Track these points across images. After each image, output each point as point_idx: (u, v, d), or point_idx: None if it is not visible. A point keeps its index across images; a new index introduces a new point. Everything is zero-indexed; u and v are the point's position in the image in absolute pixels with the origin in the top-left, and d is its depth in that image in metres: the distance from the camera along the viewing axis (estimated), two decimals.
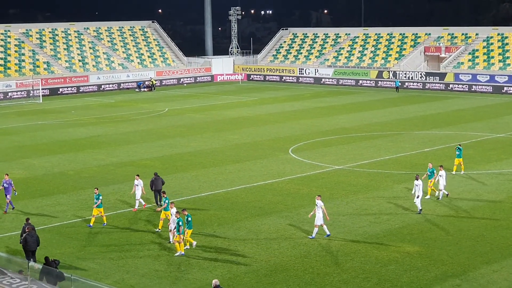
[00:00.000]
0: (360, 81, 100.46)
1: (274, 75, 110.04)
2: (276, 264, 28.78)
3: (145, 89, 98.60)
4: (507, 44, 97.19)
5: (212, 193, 40.41)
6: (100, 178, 44.39)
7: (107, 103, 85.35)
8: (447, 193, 38.36)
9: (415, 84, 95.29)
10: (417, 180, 35.58)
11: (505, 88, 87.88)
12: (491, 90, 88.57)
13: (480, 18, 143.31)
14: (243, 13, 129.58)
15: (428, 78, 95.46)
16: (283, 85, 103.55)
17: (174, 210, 31.55)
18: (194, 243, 30.81)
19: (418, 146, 52.95)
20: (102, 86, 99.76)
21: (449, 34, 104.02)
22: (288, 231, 32.94)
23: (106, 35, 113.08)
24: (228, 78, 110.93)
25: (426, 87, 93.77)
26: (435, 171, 37.81)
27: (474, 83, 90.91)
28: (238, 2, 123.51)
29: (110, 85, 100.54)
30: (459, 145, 44.02)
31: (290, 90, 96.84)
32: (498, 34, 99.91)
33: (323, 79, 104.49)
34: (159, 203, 36.83)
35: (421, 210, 35.42)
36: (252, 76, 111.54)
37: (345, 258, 29.17)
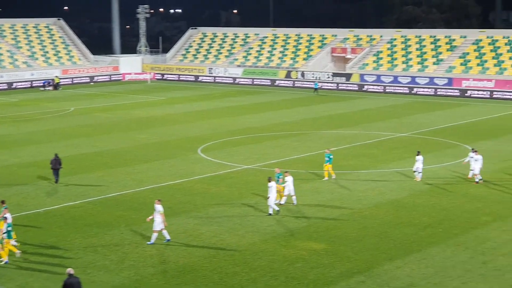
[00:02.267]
0: (269, 81, 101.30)
1: (184, 75, 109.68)
2: (185, 264, 28.77)
3: (50, 88, 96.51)
4: (409, 46, 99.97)
5: (119, 193, 40.02)
6: (3, 179, 43.30)
7: (10, 102, 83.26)
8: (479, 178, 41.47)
9: (323, 84, 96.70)
10: (270, 182, 35.39)
11: (408, 89, 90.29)
12: (394, 91, 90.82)
13: (384, 21, 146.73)
14: (151, 11, 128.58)
15: (335, 79, 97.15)
16: (192, 85, 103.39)
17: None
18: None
19: (324, 146, 53.70)
20: (6, 85, 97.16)
21: (354, 36, 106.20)
22: (196, 231, 32.96)
23: (10, 33, 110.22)
24: (137, 77, 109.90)
25: (333, 87, 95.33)
26: (281, 176, 37.28)
27: (378, 83, 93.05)
28: (147, 0, 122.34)
29: (14, 84, 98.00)
30: (328, 150, 43.51)
31: (199, 89, 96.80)
32: (402, 36, 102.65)
33: (232, 79, 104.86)
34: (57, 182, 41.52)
35: (278, 211, 35.47)
36: (161, 75, 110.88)
37: (253, 257, 29.43)
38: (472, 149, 43.68)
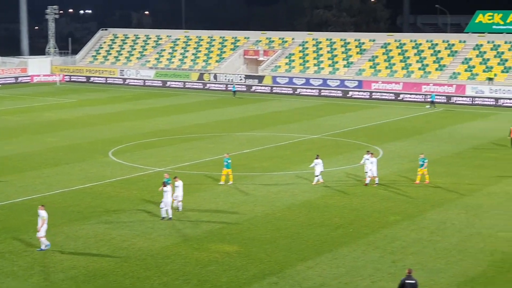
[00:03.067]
0: (182, 83, 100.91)
1: (94, 77, 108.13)
2: (95, 269, 28.32)
3: None
4: (321, 48, 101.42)
5: (28, 198, 39.09)
6: None
7: None
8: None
9: (236, 86, 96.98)
10: (165, 186, 35.02)
11: (319, 91, 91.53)
12: (306, 93, 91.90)
13: (296, 24, 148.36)
14: (61, 12, 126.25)
15: (247, 81, 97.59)
16: (103, 87, 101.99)
17: None
18: None
19: (237, 147, 54.03)
20: None
21: (267, 38, 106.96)
22: (107, 236, 32.51)
23: None
24: (46, 79, 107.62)
25: (247, 89, 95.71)
26: (170, 182, 36.00)
27: (291, 85, 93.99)
28: (56, 0, 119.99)
29: None
30: (226, 155, 43.16)
31: (110, 91, 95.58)
32: (313, 39, 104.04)
33: (144, 81, 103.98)
34: None
35: (170, 218, 34.82)
36: (71, 77, 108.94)
37: (165, 261, 29.23)
38: (367, 151, 43.60)
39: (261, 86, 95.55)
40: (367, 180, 42.10)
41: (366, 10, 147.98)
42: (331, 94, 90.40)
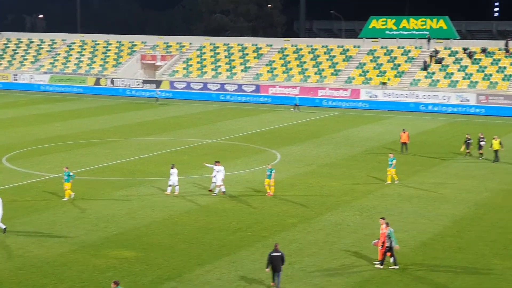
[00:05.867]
0: (78, 88, 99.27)
1: None
2: None
3: None
4: (218, 53, 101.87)
5: None
6: None
7: None
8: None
9: (133, 91, 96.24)
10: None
11: (216, 96, 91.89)
12: (204, 98, 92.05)
13: (193, 28, 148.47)
14: None
15: (145, 86, 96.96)
16: None
17: None
18: None
19: (135, 153, 53.65)
20: None
21: (164, 43, 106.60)
22: (1, 243, 31.68)
23: None
24: None
25: (143, 94, 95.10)
26: (71, 173, 35.75)
27: (188, 90, 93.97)
28: None
29: None
30: (66, 169, 40.86)
31: (3, 97, 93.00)
32: (211, 44, 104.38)
33: (38, 86, 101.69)
34: None
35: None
36: None
37: (62, 268, 28.77)
38: (216, 161, 42.12)
39: (159, 90, 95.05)
40: (212, 186, 41.68)
41: (263, 15, 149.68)
42: (228, 99, 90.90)
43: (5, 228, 33.22)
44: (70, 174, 39.66)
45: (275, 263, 26.90)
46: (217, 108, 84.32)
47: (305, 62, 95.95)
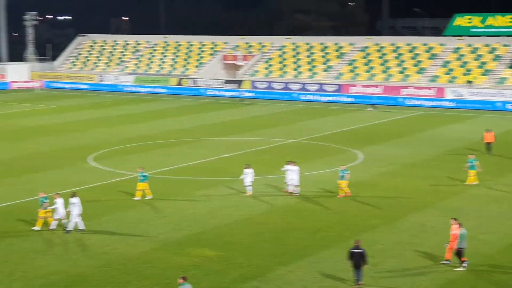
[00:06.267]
0: (161, 89, 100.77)
1: (73, 82, 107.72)
2: (76, 275, 28.23)
3: None
4: (299, 53, 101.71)
5: (7, 204, 38.84)
6: None
7: None
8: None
9: (214, 91, 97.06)
10: (73, 198, 34.19)
11: (297, 95, 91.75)
12: (285, 98, 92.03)
13: (274, 28, 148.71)
14: (40, 18, 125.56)
15: (226, 86, 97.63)
16: (82, 93, 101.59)
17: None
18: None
19: (216, 152, 54.02)
20: None
21: (246, 43, 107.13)
22: (88, 241, 32.41)
23: None
24: (25, 86, 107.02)
25: (224, 94, 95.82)
26: (46, 201, 34.19)
27: (269, 90, 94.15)
28: (34, 6, 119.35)
29: None
30: (141, 169, 40.26)
31: (89, 97, 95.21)
32: (292, 44, 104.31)
33: (123, 87, 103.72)
34: None
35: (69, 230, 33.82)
36: (49, 83, 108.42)
37: (145, 266, 29.17)
38: (289, 161, 41.70)
39: (240, 90, 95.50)
40: (290, 188, 41.02)
41: (345, 14, 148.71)
42: (310, 98, 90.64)
43: (69, 230, 33.73)
44: (145, 174, 39.98)
45: (355, 259, 26.85)
46: (298, 108, 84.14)
47: (387, 61, 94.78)
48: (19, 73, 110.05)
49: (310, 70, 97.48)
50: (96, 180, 44.64)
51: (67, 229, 33.57)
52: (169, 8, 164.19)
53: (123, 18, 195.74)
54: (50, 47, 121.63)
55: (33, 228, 33.71)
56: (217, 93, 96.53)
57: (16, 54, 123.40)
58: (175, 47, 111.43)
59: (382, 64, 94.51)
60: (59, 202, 33.77)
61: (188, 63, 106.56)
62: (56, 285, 27.24)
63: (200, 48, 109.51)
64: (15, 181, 44.61)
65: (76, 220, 33.62)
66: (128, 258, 30.17)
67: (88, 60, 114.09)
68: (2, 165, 49.68)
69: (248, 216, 36.72)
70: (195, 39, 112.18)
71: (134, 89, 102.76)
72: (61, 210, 33.76)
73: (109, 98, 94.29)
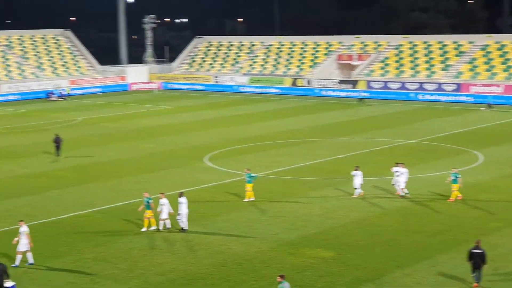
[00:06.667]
0: (275, 89, 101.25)
1: (189, 83, 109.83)
2: (193, 273, 28.68)
3: (58, 98, 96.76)
4: (416, 52, 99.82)
5: (127, 202, 39.94)
6: (12, 190, 43.33)
7: (18, 112, 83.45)
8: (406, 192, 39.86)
9: (329, 92, 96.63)
10: (180, 197, 34.54)
11: (415, 95, 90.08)
12: (401, 97, 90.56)
13: (390, 27, 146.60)
14: (158, 21, 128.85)
15: (341, 86, 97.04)
16: (198, 94, 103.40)
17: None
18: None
19: (332, 153, 53.72)
20: (14, 96, 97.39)
21: (361, 42, 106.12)
22: (204, 240, 32.87)
23: (18, 44, 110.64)
24: (144, 87, 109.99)
25: (339, 94, 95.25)
26: (151, 201, 34.63)
27: (385, 90, 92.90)
28: (153, 10, 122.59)
29: (21, 95, 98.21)
30: (248, 170, 40.39)
31: (205, 98, 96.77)
32: (409, 42, 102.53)
33: (238, 87, 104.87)
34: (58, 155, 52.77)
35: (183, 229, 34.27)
36: (167, 84, 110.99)
37: (261, 265, 29.30)
38: (397, 163, 41.13)
39: (355, 90, 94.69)
40: (399, 190, 40.38)
41: (464, 12, 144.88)
42: (428, 98, 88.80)
43: (183, 228, 34.20)
44: (252, 175, 40.03)
45: (475, 260, 26.40)
46: (416, 108, 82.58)
47: (509, 59, 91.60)
48: (138, 75, 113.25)
49: (428, 69, 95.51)
50: (212, 180, 45.24)
51: (183, 228, 34.12)
52: (283, 8, 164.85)
53: (238, 19, 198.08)
54: (168, 49, 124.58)
55: (142, 229, 34.29)
56: (332, 93, 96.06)
57: (135, 57, 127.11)
58: (290, 48, 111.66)
59: (503, 63, 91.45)
60: (164, 202, 34.25)
61: (302, 63, 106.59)
62: (174, 282, 27.75)
63: (314, 48, 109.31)
64: (135, 180, 45.81)
65: (183, 219, 34.14)
66: (244, 257, 30.40)
67: (204, 61, 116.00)
68: (122, 164, 51.16)
69: (364, 217, 36.29)
70: (310, 39, 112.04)
71: (248, 89, 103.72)
72: (165, 211, 34.21)
73: (224, 99, 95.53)
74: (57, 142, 54.26)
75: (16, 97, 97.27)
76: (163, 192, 35.60)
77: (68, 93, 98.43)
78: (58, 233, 34.40)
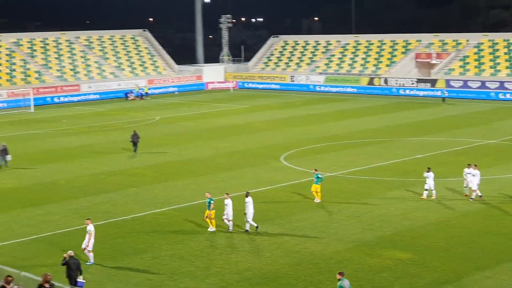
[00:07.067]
0: (352, 88, 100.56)
1: (265, 83, 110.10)
2: (269, 272, 28.69)
3: (136, 98, 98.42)
4: (497, 50, 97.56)
5: (203, 201, 40.14)
6: (92, 187, 44.25)
7: (98, 111, 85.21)
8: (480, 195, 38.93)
9: (406, 91, 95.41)
10: (247, 197, 34.36)
11: (495, 94, 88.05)
12: (481, 97, 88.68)
13: (470, 24, 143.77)
14: (234, 21, 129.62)
15: (419, 85, 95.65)
16: (274, 93, 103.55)
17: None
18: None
19: (410, 153, 52.98)
20: (94, 95, 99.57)
21: (440, 41, 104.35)
22: (280, 239, 32.86)
23: (97, 44, 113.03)
24: (219, 86, 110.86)
25: (417, 93, 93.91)
26: (212, 202, 34.11)
27: (465, 89, 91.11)
28: (229, 10, 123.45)
29: (101, 94, 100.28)
30: (315, 171, 40.00)
31: (281, 97, 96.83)
32: (489, 40, 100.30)
33: (314, 86, 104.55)
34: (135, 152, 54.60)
35: (257, 227, 34.08)
36: (243, 83, 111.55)
37: (338, 266, 29.07)
38: (469, 164, 40.11)
39: (433, 89, 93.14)
40: (466, 191, 39.58)
41: None
42: (509, 97, 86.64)
43: (257, 226, 34.14)
44: (320, 176, 39.65)
45: None
46: (496, 107, 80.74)
47: None
48: (214, 74, 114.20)
49: (508, 68, 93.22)
50: (288, 179, 45.19)
51: (247, 229, 34.17)
52: (360, 7, 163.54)
53: (314, 18, 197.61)
54: (244, 48, 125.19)
55: (209, 229, 34.33)
56: (410, 92, 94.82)
57: (212, 56, 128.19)
58: (366, 46, 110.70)
59: None
60: (228, 203, 34.22)
61: (379, 62, 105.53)
62: (250, 281, 27.82)
63: (391, 47, 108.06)
64: (211, 178, 46.15)
65: (249, 219, 34.13)
66: (320, 257, 30.25)
67: (280, 60, 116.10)
68: (199, 163, 51.62)
69: (443, 218, 35.64)
70: (387, 38, 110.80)
71: (324, 88, 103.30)
72: (229, 211, 34.17)
73: (300, 98, 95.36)
74: (134, 138, 55.84)
75: (95, 96, 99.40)
76: (228, 192, 35.62)
77: (147, 93, 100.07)
78: (136, 231, 34.94)
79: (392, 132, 63.89)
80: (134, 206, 39.41)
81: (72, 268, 26.28)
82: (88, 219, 30.80)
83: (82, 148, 58.99)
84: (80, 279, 26.32)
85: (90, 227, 30.15)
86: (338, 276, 23.70)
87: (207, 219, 34.45)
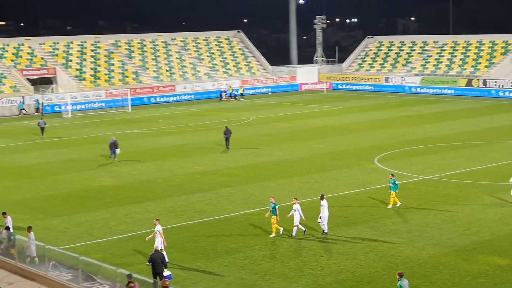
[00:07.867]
0: (449, 90, 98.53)
1: (359, 84, 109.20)
2: (362, 275, 28.41)
3: (229, 98, 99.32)
4: None
5: (290, 203, 40.13)
6: (187, 186, 44.89)
7: (193, 112, 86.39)
8: None
9: (506, 93, 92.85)
10: (322, 200, 33.73)
11: None
12: None
13: None
14: (328, 21, 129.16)
15: None
16: (368, 94, 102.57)
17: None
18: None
19: (509, 156, 51.48)
20: (188, 95, 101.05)
21: None
22: (374, 242, 32.49)
23: (193, 45, 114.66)
24: (313, 87, 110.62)
25: None
26: (277, 207, 33.81)
27: None
28: (323, 10, 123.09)
29: (196, 95, 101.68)
30: (392, 177, 38.96)
31: (375, 99, 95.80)
32: None
33: (410, 88, 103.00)
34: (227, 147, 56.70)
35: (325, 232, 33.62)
36: (337, 84, 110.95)
37: (433, 270, 28.53)
38: None
39: None
40: None
41: None
42: None
43: (304, 231, 33.75)
44: (396, 182, 38.50)
45: None
46: None
47: None
48: (308, 75, 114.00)
49: None
50: (382, 181, 44.60)
51: (324, 231, 33.80)
52: (458, 7, 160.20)
53: (410, 18, 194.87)
54: (338, 49, 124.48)
55: (270, 235, 33.94)
56: (509, 94, 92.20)
57: (306, 57, 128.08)
58: (464, 47, 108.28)
59: None
60: (297, 208, 33.80)
61: (478, 63, 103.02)
62: (343, 284, 27.61)
63: (491, 47, 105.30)
64: (305, 179, 46.06)
65: (324, 222, 33.75)
66: (416, 261, 29.73)
67: (374, 61, 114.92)
68: (293, 163, 51.59)
69: None
70: (486, 38, 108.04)
71: (420, 90, 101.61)
72: (297, 216, 33.71)
73: (395, 99, 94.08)
74: (227, 134, 57.82)
75: (190, 96, 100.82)
76: (296, 197, 35.32)
77: (241, 93, 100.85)
78: (230, 230, 35.22)
79: (491, 134, 62.24)
80: (227, 206, 39.75)
81: (157, 262, 26.75)
82: (157, 219, 31.04)
83: (177, 148, 59.93)
84: (165, 273, 26.72)
85: (159, 227, 30.43)
86: (398, 277, 23.43)
87: (274, 225, 33.98)
